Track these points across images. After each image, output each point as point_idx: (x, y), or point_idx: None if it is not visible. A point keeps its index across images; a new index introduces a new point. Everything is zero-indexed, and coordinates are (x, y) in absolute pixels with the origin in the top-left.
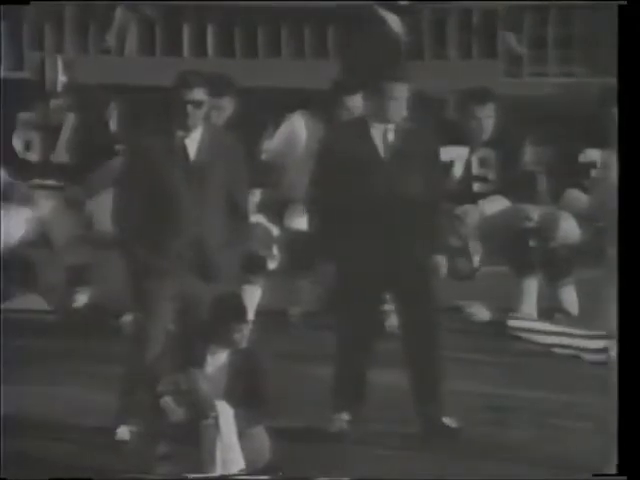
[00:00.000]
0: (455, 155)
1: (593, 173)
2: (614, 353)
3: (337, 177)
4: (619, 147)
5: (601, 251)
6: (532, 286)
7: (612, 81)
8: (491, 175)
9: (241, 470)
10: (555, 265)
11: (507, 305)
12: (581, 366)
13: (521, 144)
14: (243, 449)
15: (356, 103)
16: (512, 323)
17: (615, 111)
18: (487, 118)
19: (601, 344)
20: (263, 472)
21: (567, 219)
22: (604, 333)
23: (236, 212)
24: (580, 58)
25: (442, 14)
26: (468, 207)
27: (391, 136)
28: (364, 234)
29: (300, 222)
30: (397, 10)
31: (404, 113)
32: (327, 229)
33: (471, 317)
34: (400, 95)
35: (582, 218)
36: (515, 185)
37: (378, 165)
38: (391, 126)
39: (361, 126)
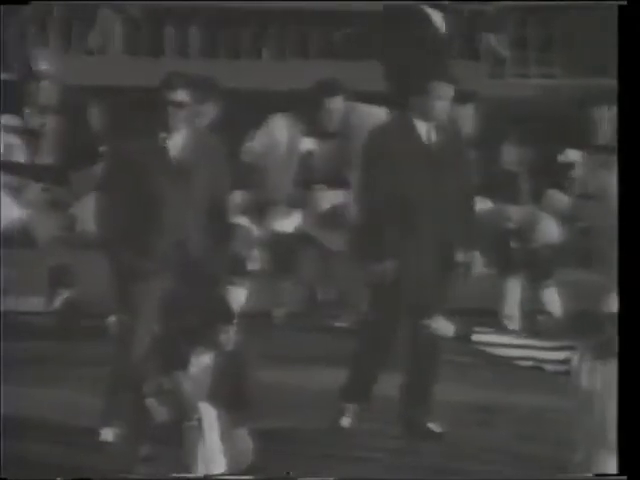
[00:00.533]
0: None
1: (572, 173)
2: (576, 363)
3: (386, 176)
4: (619, 147)
5: (586, 251)
6: (514, 287)
7: (592, 82)
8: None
9: (223, 471)
10: (536, 266)
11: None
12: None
13: (502, 145)
14: (226, 450)
15: (337, 105)
16: (476, 337)
17: (594, 112)
18: (467, 118)
19: (562, 355)
20: (246, 473)
21: (547, 220)
22: (566, 344)
23: (219, 213)
24: (561, 60)
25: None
26: None
27: (433, 134)
28: (414, 232)
29: (283, 223)
30: (441, 9)
31: (448, 112)
32: (383, 227)
33: (435, 332)
34: (446, 95)
35: (563, 218)
36: (496, 186)
37: (424, 162)
38: (433, 124)
39: (406, 124)
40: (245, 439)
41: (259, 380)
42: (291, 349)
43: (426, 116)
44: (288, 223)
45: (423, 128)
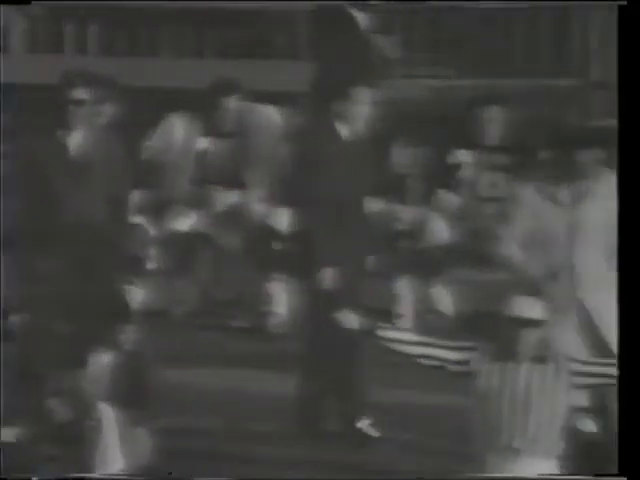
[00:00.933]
0: None
1: (461, 174)
2: (476, 364)
3: (311, 180)
4: (619, 147)
5: (477, 252)
6: (405, 287)
7: (482, 83)
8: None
9: (122, 470)
10: (427, 266)
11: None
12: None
13: (393, 145)
14: (125, 450)
15: (233, 104)
16: (381, 333)
17: (483, 112)
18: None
19: (463, 356)
20: (144, 472)
21: (436, 220)
22: (466, 345)
23: (117, 212)
24: (450, 61)
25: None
26: None
27: (352, 136)
28: (348, 235)
29: (180, 223)
30: (369, 10)
31: (368, 116)
32: (321, 233)
33: (342, 325)
34: (366, 99)
35: (453, 219)
36: (387, 186)
37: (343, 166)
38: (353, 127)
39: (328, 127)
40: (144, 438)
41: (158, 379)
42: (189, 348)
43: (346, 119)
44: (185, 222)
45: (343, 131)
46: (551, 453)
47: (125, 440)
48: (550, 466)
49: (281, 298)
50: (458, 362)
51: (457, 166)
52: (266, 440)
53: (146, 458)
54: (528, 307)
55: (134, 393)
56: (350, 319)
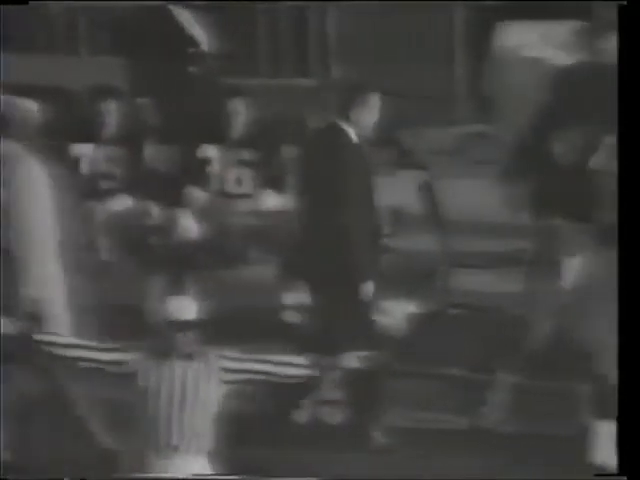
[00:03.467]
0: (83, 152)
1: (209, 170)
2: (134, 364)
3: None
4: (619, 147)
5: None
6: (157, 283)
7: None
8: (118, 172)
9: None
10: (177, 262)
11: None
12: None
13: (145, 142)
14: None
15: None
16: (39, 337)
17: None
18: (110, 115)
19: (119, 356)
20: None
21: (185, 216)
22: (122, 345)
23: None
24: None
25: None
26: (95, 204)
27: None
28: None
29: None
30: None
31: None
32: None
33: None
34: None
35: (202, 215)
36: (139, 183)
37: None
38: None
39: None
40: None
41: None
42: None
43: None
44: None
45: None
46: (204, 449)
47: None
48: (203, 463)
49: None
50: (115, 363)
51: (203, 161)
52: None
53: None
54: (180, 307)
55: None
56: (5, 324)
